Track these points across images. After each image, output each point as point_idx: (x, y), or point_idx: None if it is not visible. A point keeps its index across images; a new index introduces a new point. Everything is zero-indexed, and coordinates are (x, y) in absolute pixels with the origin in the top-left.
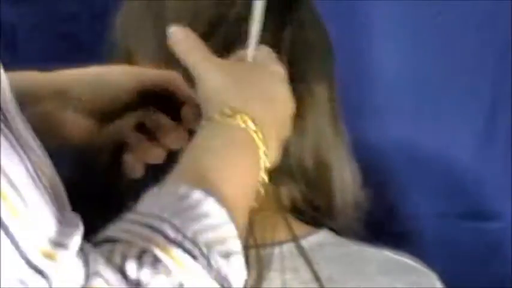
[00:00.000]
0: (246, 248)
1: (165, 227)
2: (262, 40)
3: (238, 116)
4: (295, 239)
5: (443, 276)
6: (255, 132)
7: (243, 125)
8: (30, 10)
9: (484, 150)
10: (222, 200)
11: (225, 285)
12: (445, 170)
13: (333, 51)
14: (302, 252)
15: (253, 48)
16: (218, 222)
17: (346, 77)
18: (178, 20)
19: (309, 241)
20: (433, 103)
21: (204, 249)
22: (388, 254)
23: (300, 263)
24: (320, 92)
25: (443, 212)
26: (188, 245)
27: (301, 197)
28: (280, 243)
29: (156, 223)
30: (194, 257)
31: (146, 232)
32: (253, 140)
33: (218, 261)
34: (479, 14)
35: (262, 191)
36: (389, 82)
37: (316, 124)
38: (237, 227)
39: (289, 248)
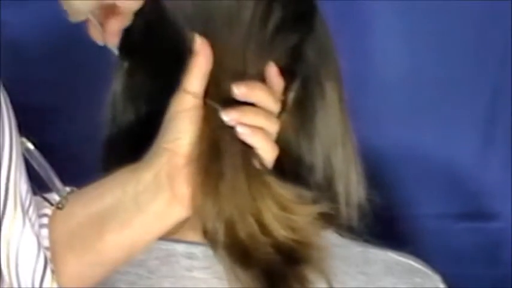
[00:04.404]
0: None
1: None
2: (281, 53)
3: None
4: None
5: (443, 277)
6: None
7: None
8: (31, 10)
9: (484, 151)
10: None
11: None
12: (445, 171)
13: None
14: None
15: None
16: None
17: (345, 79)
18: None
19: None
20: (433, 104)
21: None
22: (392, 255)
23: None
24: (331, 92)
25: (443, 212)
26: None
27: (311, 199)
28: None
29: None
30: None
31: None
32: None
33: None
34: (479, 14)
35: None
36: (389, 83)
37: (327, 126)
38: None
39: None
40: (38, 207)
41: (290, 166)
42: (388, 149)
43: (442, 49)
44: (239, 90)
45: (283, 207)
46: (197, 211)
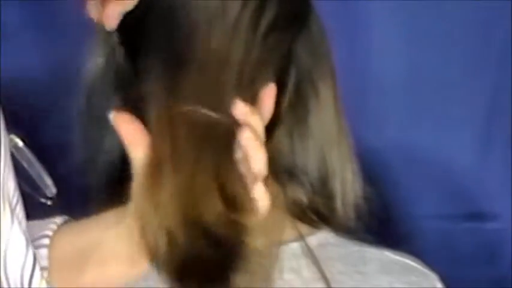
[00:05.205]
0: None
1: None
2: (274, 53)
3: None
4: (302, 238)
5: (443, 277)
6: None
7: None
8: (31, 10)
9: (483, 152)
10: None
11: None
12: (445, 171)
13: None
14: (309, 251)
15: None
16: None
17: (344, 79)
18: None
19: (310, 241)
20: (432, 104)
21: None
22: (388, 254)
23: (302, 263)
24: (325, 91)
25: (443, 213)
26: None
27: (306, 198)
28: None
29: None
30: None
31: None
32: None
33: None
34: (479, 14)
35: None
36: (388, 83)
37: (321, 125)
38: None
39: (290, 248)
40: (40, 229)
41: (284, 166)
42: (388, 149)
43: (442, 49)
44: (240, 110)
45: (232, 210)
46: (140, 226)
